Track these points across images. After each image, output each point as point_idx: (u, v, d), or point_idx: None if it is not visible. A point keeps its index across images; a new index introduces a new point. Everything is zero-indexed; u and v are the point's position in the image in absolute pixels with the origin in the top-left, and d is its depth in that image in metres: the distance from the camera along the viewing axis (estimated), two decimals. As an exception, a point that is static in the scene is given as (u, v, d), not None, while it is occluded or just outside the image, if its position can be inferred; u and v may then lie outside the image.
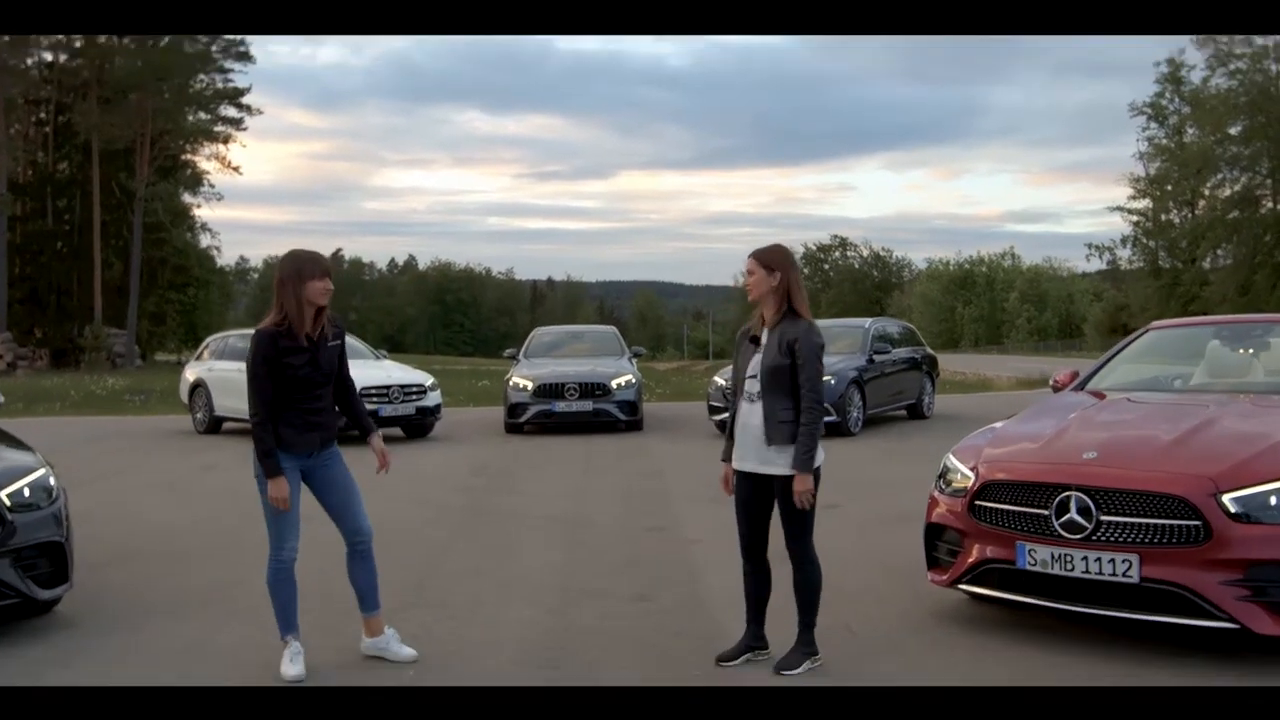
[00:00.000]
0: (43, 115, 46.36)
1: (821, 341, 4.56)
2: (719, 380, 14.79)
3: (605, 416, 14.97)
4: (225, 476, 11.21)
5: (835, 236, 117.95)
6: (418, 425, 14.75)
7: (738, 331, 4.83)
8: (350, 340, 16.53)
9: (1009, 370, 35.36)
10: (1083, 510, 4.63)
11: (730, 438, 4.76)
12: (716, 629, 5.23)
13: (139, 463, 12.71)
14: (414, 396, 14.45)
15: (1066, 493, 4.69)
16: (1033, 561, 4.75)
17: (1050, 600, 4.77)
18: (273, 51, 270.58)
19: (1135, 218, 67.82)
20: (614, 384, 15.06)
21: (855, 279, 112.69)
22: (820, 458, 4.52)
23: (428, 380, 14.93)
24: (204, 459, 12.83)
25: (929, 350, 17.71)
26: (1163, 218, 67.42)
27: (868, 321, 16.30)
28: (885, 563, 6.61)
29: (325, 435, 4.74)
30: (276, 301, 4.61)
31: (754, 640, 4.74)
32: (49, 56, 45.89)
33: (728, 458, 4.78)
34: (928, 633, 5.11)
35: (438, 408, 14.92)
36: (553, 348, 17.19)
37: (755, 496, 4.65)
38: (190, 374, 16.65)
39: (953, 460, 5.37)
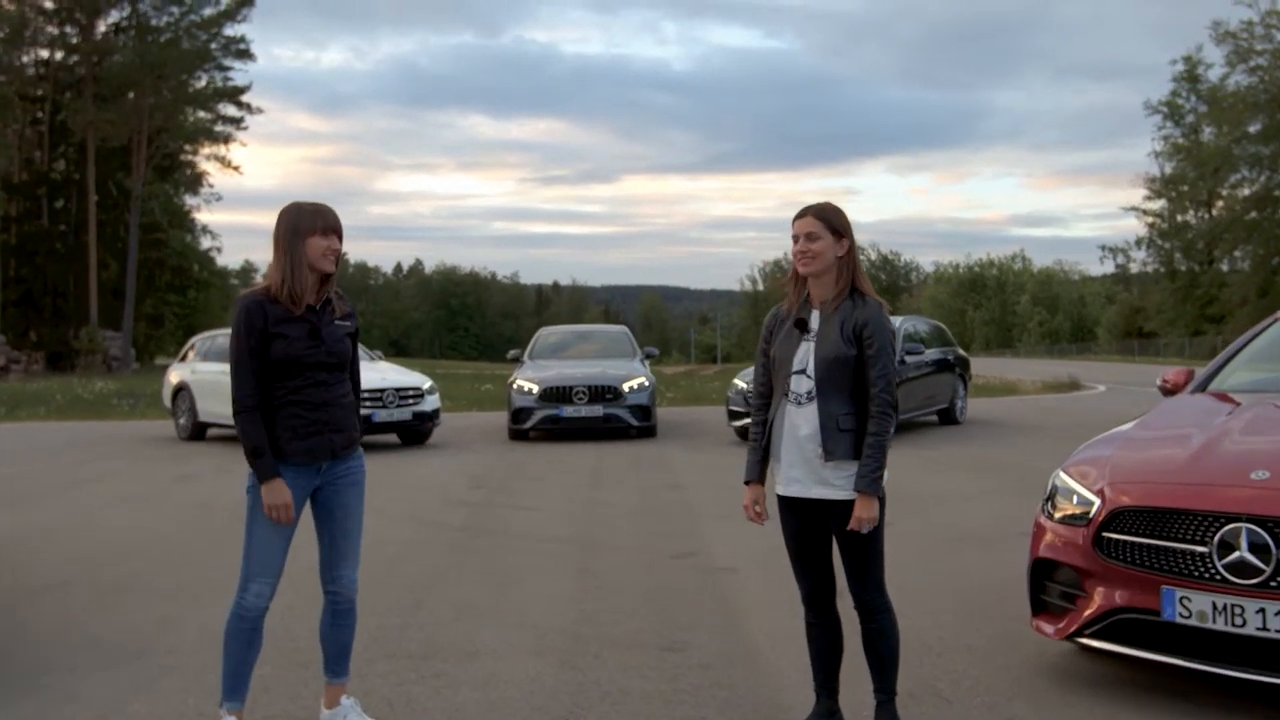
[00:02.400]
0: (39, 114, 45.43)
1: (894, 327, 3.50)
2: (740, 383, 13.70)
3: (616, 422, 13.90)
4: (200, 488, 10.16)
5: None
6: (414, 431, 13.70)
7: (769, 314, 3.70)
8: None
9: (1029, 374, 34.25)
10: (1257, 547, 3.55)
11: (759, 451, 3.62)
12: (769, 695, 4.15)
13: (110, 472, 11.66)
14: (410, 401, 13.39)
15: (1233, 524, 3.61)
16: (1185, 613, 3.67)
17: (1210, 664, 3.68)
18: (276, 55, 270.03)
19: (1150, 219, 66.72)
20: (626, 387, 13.98)
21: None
22: (886, 475, 3.47)
23: (425, 383, 13.88)
24: (181, 468, 11.78)
25: (960, 351, 16.60)
26: (1178, 218, 66.27)
27: (897, 319, 15.19)
28: (961, 597, 5.53)
29: (340, 441, 3.58)
30: (272, 264, 3.57)
31: (826, 716, 3.64)
32: (45, 54, 45.02)
33: (756, 477, 3.63)
34: (1041, 698, 4.02)
35: (436, 412, 13.87)
36: (560, 348, 16.12)
37: (810, 529, 3.55)
38: (174, 376, 15.59)
39: (1067, 479, 4.28)
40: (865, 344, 3.43)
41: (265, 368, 3.52)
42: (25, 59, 44.38)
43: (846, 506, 3.42)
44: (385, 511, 8.51)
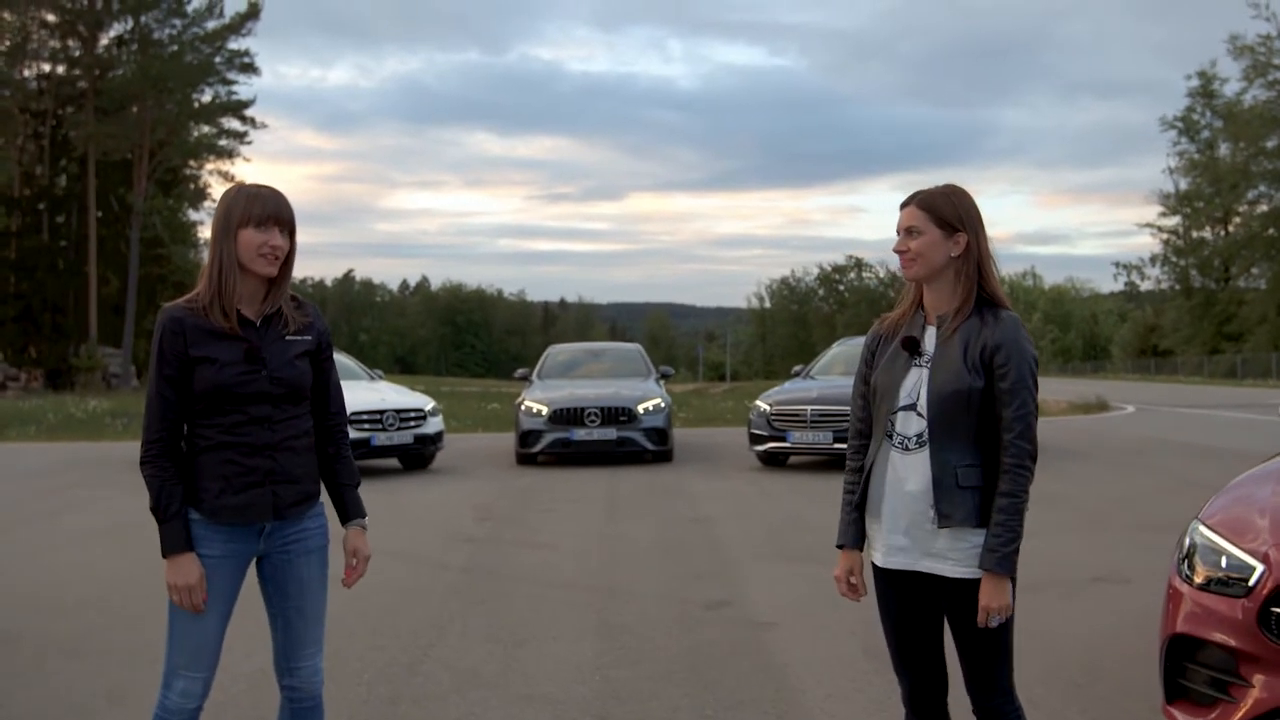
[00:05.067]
0: (40, 128, 44.85)
1: (1036, 353, 2.65)
2: (762, 404, 12.88)
3: (631, 446, 13.08)
4: (180, 520, 9.35)
5: (850, 257, 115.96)
6: (416, 455, 12.90)
7: (872, 329, 2.87)
8: (338, 357, 14.76)
9: (1051, 393, 33.31)
10: None
11: (854, 508, 2.78)
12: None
13: (87, 500, 10.86)
14: (411, 423, 12.60)
15: None
16: (1391, 715, 2.86)
17: None
18: (283, 73, 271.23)
19: (1165, 235, 65.92)
20: (640, 408, 13.17)
21: (872, 300, 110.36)
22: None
23: (428, 404, 13.09)
24: (165, 496, 10.97)
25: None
26: (1194, 235, 65.46)
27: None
28: (1051, 664, 4.70)
29: (289, 496, 2.78)
30: (204, 267, 2.79)
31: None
32: (46, 67, 44.49)
33: (851, 541, 2.79)
34: (1190, 817, 3.20)
35: (439, 435, 13.08)
36: (570, 367, 15.32)
37: (915, 612, 2.72)
38: (163, 396, 14.81)
39: (1211, 535, 3.46)
40: (998, 373, 2.58)
41: (190, 401, 2.72)
42: (27, 73, 43.86)
43: (964, 587, 2.60)
44: (380, 549, 7.66)
